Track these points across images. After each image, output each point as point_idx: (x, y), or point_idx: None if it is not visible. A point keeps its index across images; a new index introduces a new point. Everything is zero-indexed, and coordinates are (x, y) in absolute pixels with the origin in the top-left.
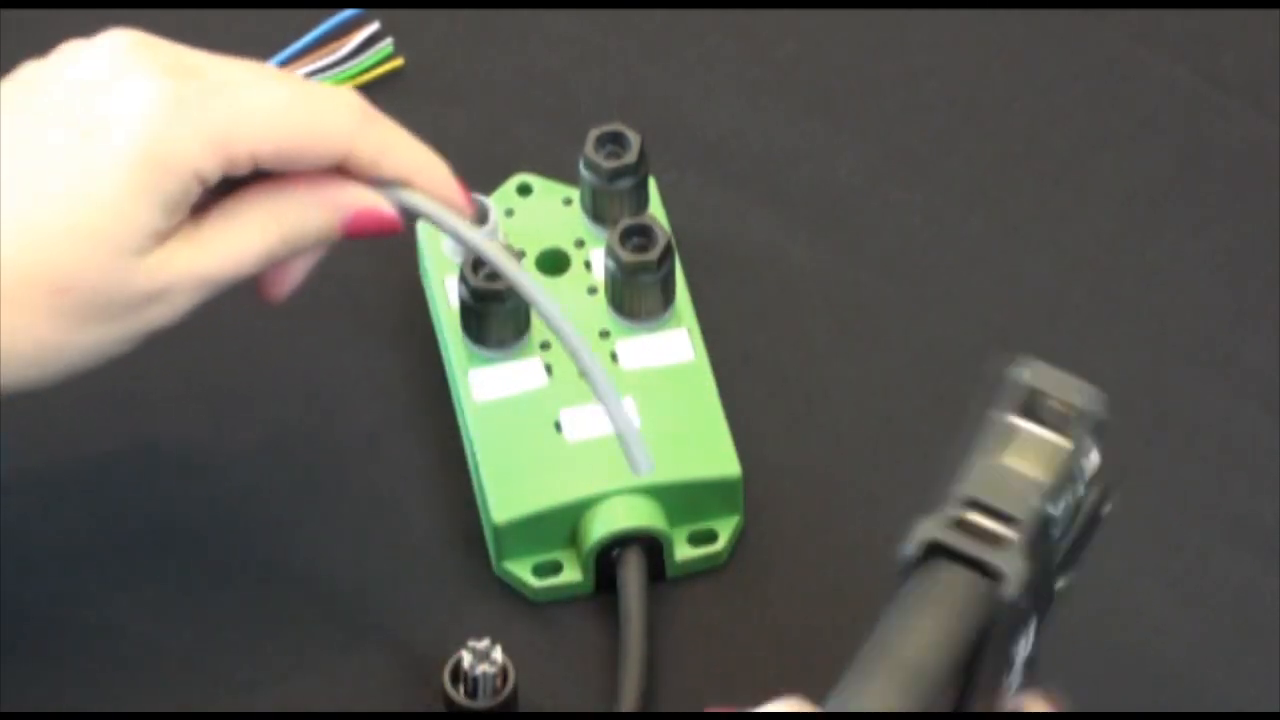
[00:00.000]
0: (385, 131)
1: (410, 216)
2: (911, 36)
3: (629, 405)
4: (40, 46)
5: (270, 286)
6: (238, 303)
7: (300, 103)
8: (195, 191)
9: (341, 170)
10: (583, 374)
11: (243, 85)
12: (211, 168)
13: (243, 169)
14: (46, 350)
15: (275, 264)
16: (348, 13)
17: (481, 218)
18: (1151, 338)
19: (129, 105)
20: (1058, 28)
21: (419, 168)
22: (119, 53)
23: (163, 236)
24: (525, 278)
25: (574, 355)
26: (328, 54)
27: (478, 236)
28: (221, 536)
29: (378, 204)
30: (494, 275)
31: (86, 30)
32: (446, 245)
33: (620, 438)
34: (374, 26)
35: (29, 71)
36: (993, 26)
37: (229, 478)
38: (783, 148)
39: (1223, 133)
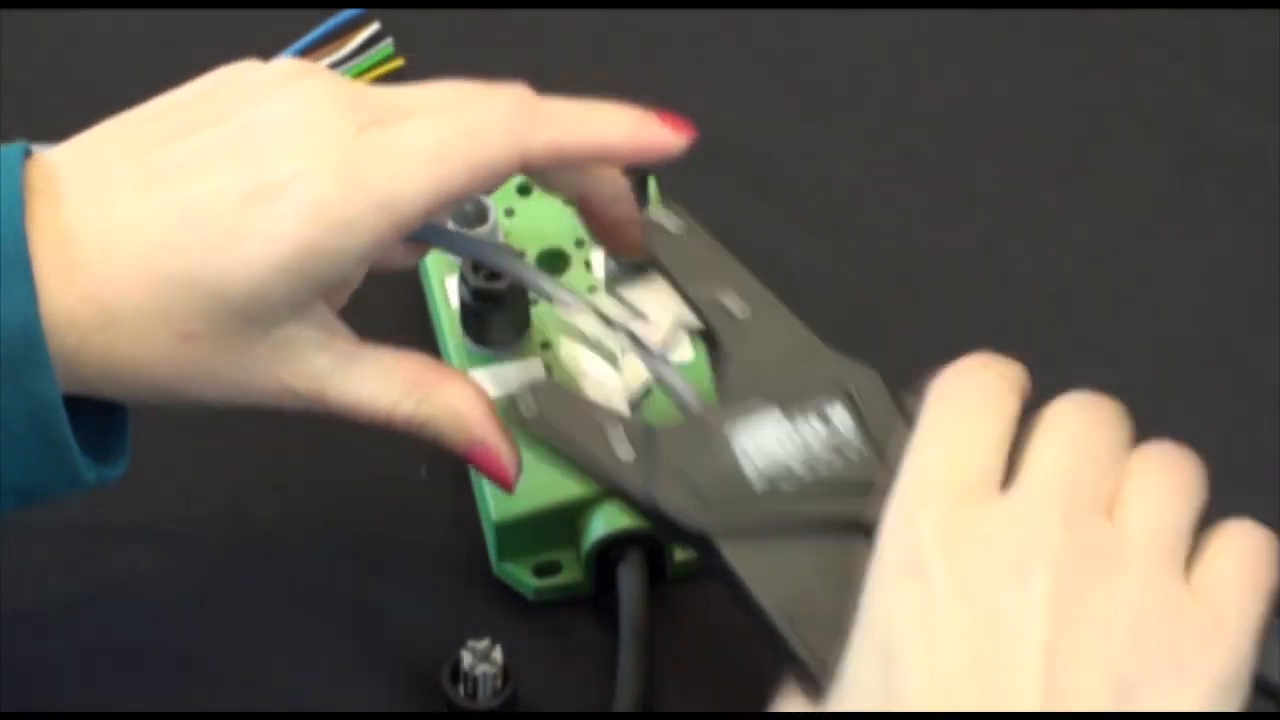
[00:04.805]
0: (552, 124)
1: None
2: (911, 36)
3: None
4: (41, 46)
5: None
6: None
7: (457, 142)
8: (354, 275)
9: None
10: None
11: (403, 136)
12: (375, 250)
13: (413, 230)
14: (161, 384)
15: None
16: (348, 13)
17: (481, 218)
18: (1151, 338)
19: (303, 176)
20: (1058, 28)
21: (602, 137)
22: (313, 104)
23: (301, 311)
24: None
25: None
26: (328, 54)
27: (568, 294)
28: (220, 535)
29: (495, 447)
30: (494, 275)
31: (87, 31)
32: None
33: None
34: (374, 27)
35: (213, 83)
36: (993, 26)
37: (227, 477)
38: (783, 148)
39: (1223, 133)
